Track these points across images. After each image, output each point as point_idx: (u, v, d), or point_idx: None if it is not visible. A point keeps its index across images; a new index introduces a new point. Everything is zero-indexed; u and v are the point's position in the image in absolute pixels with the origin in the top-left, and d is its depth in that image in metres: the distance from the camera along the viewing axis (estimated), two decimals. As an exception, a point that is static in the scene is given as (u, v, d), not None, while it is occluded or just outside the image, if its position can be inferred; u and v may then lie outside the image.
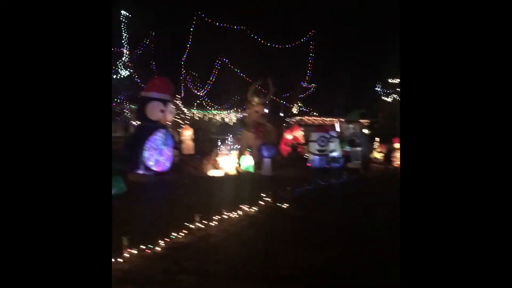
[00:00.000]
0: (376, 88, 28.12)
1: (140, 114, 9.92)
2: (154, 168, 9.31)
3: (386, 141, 16.43)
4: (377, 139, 17.04)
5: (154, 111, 9.67)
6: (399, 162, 15.26)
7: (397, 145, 15.62)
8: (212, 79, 21.04)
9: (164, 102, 9.81)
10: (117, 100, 21.90)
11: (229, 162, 10.96)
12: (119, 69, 21.43)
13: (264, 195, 7.36)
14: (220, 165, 10.84)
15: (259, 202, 7.11)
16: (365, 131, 17.46)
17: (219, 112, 23.75)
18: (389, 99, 27.72)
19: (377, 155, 15.14)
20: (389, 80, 27.90)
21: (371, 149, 15.49)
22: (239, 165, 11.28)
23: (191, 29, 19.13)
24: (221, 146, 11.32)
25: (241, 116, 21.43)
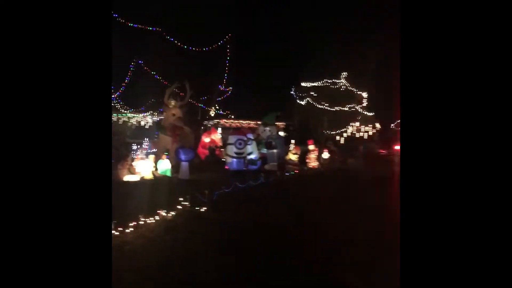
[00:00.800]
0: (291, 92, 29.02)
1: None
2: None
3: (301, 143, 17.01)
4: (292, 141, 17.57)
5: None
6: (312, 164, 15.90)
7: (311, 147, 16.23)
8: (126, 81, 20.35)
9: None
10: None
11: (145, 166, 10.69)
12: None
13: (182, 199, 7.29)
14: (136, 170, 10.54)
15: (177, 206, 7.03)
16: (281, 133, 17.93)
17: (134, 115, 23.05)
18: (303, 102, 28.72)
19: (292, 156, 15.61)
20: (303, 84, 28.94)
21: (287, 151, 15.93)
22: (156, 169, 11.05)
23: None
24: (137, 150, 11.00)
25: (158, 119, 21.00)
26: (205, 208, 7.12)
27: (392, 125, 38.78)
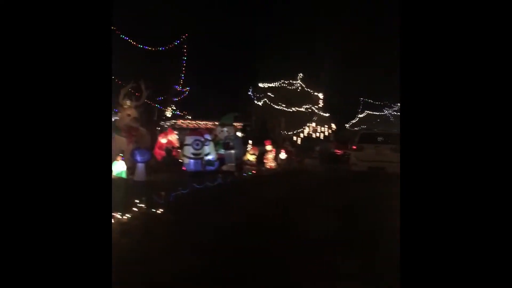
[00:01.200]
0: (249, 92, 29.12)
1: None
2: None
3: (259, 144, 17.09)
4: (250, 141, 17.62)
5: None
6: (270, 164, 16.00)
7: (268, 147, 16.34)
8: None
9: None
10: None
11: (99, 168, 10.39)
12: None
13: (138, 201, 7.14)
14: (90, 172, 10.23)
15: (133, 208, 6.87)
16: (239, 134, 17.94)
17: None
18: (260, 103, 28.88)
19: (250, 157, 15.65)
20: (260, 85, 29.11)
21: (245, 152, 15.96)
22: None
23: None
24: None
25: (113, 120, 20.51)
26: (162, 210, 7.00)
27: (346, 125, 39.66)
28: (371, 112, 42.74)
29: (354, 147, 15.58)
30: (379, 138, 15.45)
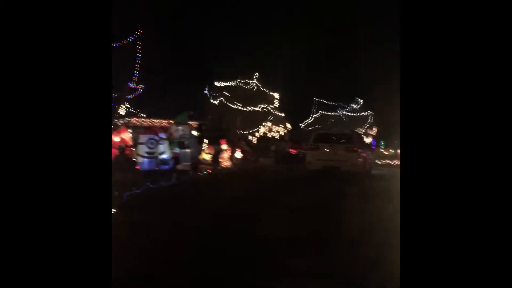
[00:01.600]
0: (205, 91, 28.97)
1: None
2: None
3: (214, 143, 17.03)
4: (205, 140, 17.52)
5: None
6: (225, 163, 15.97)
7: (224, 146, 16.31)
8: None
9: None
10: None
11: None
12: None
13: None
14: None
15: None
16: (194, 132, 17.79)
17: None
18: (216, 102, 28.79)
19: (205, 156, 15.57)
20: (216, 83, 29.03)
21: (200, 151, 15.85)
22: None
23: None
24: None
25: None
26: (114, 210, 6.83)
27: (301, 125, 40.21)
28: (325, 113, 43.57)
29: (310, 146, 15.83)
30: (334, 138, 15.79)
